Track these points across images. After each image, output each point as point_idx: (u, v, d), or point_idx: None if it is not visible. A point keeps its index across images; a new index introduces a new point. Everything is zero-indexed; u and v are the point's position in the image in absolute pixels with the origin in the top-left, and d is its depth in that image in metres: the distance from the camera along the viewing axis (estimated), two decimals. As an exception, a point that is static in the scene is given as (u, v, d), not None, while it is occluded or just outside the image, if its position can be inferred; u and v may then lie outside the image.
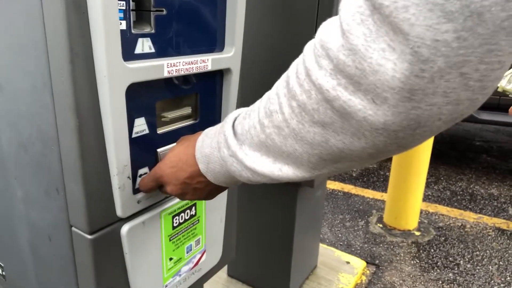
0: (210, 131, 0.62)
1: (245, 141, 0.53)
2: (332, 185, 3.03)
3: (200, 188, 0.64)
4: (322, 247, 2.13)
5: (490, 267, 2.08)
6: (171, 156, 0.65)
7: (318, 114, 0.41)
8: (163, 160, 0.67)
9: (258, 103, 0.53)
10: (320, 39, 0.40)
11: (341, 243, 2.28)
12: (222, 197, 0.93)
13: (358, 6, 0.36)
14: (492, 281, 1.97)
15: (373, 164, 3.42)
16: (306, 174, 0.49)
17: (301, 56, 0.45)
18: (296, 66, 0.45)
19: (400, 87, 0.34)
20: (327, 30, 0.40)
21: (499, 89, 1.55)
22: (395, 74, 0.34)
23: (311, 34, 1.43)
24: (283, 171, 0.50)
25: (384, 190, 2.95)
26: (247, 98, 1.40)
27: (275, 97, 0.48)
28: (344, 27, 0.37)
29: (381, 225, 2.46)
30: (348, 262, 2.04)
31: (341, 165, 0.46)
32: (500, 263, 2.12)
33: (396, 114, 0.36)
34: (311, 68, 0.41)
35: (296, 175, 0.50)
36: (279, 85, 0.48)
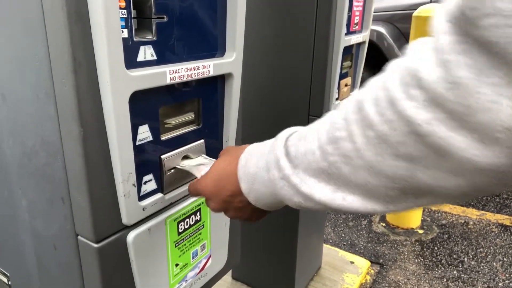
0: (255, 149, 0.59)
1: (300, 165, 0.49)
2: (334, 185, 3.03)
3: (242, 207, 0.61)
4: (326, 247, 2.13)
5: (494, 263, 2.08)
6: (213, 173, 0.63)
7: (404, 147, 0.37)
8: (206, 175, 0.65)
9: (317, 125, 0.48)
10: (409, 66, 0.36)
11: (344, 243, 2.28)
12: (226, 201, 0.93)
13: (457, 33, 0.32)
14: (497, 278, 1.97)
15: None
16: (379, 207, 0.44)
17: (379, 81, 0.40)
18: (374, 91, 0.40)
19: None
20: (418, 56, 0.36)
21: None
22: None
23: (309, 38, 1.43)
24: (347, 200, 0.45)
25: (386, 188, 2.95)
26: (249, 102, 1.41)
27: (342, 122, 0.43)
28: (442, 57, 0.33)
29: (384, 224, 2.46)
30: (352, 262, 2.04)
31: (425, 200, 0.41)
32: (504, 259, 2.11)
33: (510, 156, 0.32)
34: (398, 97, 0.36)
35: (365, 207, 0.44)
36: (348, 109, 0.43)
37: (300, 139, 0.50)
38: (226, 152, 0.67)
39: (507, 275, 1.99)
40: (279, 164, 0.51)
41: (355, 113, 0.41)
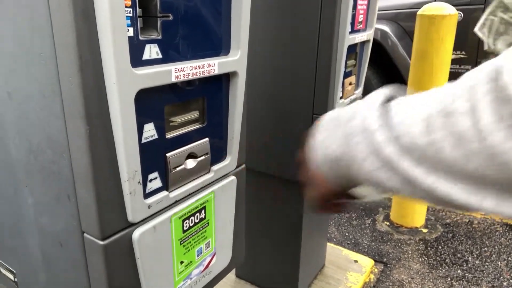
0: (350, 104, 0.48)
1: (392, 132, 0.38)
2: (337, 183, 3.03)
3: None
4: (330, 246, 2.13)
5: (499, 263, 2.07)
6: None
7: None
8: None
9: (430, 93, 0.38)
10: None
11: (348, 242, 2.28)
12: (231, 199, 0.93)
13: None
14: (502, 277, 1.96)
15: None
16: (488, 205, 0.34)
17: None
18: None
19: None
20: None
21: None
22: None
23: (314, 37, 1.42)
24: (442, 186, 0.35)
25: (390, 187, 2.94)
26: (253, 101, 1.41)
27: (466, 92, 0.33)
28: None
29: (388, 223, 2.45)
30: (356, 261, 2.04)
31: None
32: (509, 258, 2.11)
33: None
34: None
35: (467, 200, 0.35)
36: (477, 78, 0.33)
37: (404, 103, 0.40)
38: None
39: (511, 275, 1.98)
40: (366, 114, 0.40)
41: (486, 82, 0.32)
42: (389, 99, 0.43)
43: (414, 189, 0.37)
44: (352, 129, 0.41)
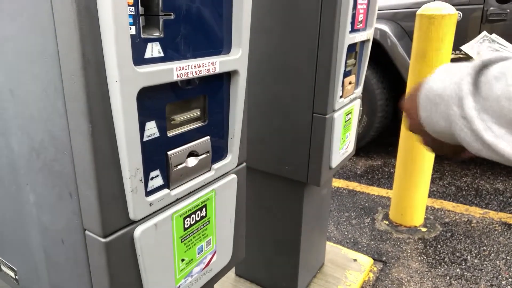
0: (446, 71, 0.50)
1: (489, 110, 0.41)
2: (337, 182, 3.04)
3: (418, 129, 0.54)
4: (329, 245, 2.13)
5: (498, 262, 2.08)
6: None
7: None
8: None
9: None
10: None
11: (347, 241, 2.28)
12: (232, 197, 0.94)
13: None
14: (500, 276, 1.97)
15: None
16: None
17: None
18: None
19: None
20: None
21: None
22: None
23: (314, 36, 1.42)
24: None
25: (389, 187, 2.95)
26: (253, 99, 1.41)
27: None
28: None
29: (387, 222, 2.46)
30: (355, 260, 2.05)
31: None
32: (508, 257, 2.11)
33: None
34: None
35: None
36: None
37: (498, 77, 0.41)
38: None
39: (510, 274, 1.99)
40: (462, 101, 0.43)
41: None
42: (482, 66, 0.45)
43: None
44: (453, 113, 0.44)
